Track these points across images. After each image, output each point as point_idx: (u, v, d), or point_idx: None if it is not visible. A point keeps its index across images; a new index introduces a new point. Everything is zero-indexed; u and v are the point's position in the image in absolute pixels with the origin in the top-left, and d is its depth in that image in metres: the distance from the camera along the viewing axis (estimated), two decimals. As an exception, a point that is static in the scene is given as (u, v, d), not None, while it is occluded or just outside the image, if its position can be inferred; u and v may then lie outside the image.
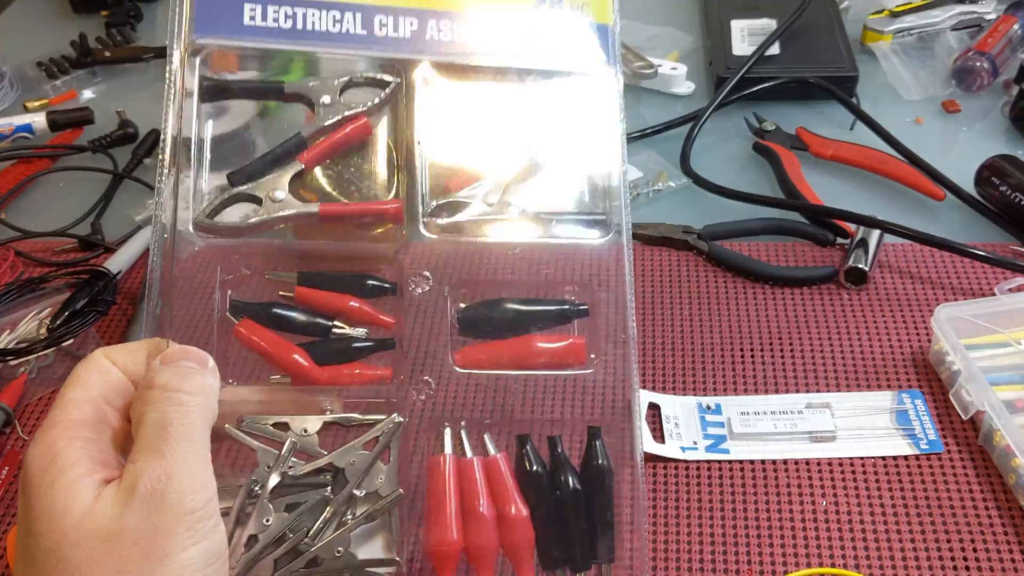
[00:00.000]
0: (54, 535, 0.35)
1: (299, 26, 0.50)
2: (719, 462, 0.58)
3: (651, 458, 0.58)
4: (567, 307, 0.50)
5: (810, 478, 0.57)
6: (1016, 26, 0.88)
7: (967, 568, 0.51)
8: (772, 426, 0.59)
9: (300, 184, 0.69)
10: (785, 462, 0.57)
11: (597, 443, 0.47)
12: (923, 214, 0.75)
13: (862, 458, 0.57)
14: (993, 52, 0.85)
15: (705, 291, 0.69)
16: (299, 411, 0.46)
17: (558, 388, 0.52)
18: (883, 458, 0.57)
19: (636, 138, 0.83)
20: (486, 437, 0.47)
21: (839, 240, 0.71)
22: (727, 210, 0.75)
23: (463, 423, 0.47)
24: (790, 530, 0.54)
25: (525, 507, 0.45)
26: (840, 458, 0.57)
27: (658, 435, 0.59)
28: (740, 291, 0.69)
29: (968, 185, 0.75)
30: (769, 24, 0.91)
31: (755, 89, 0.85)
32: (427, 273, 0.50)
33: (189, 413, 0.38)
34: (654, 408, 0.61)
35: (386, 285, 0.50)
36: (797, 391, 0.61)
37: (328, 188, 0.69)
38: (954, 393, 0.58)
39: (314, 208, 0.49)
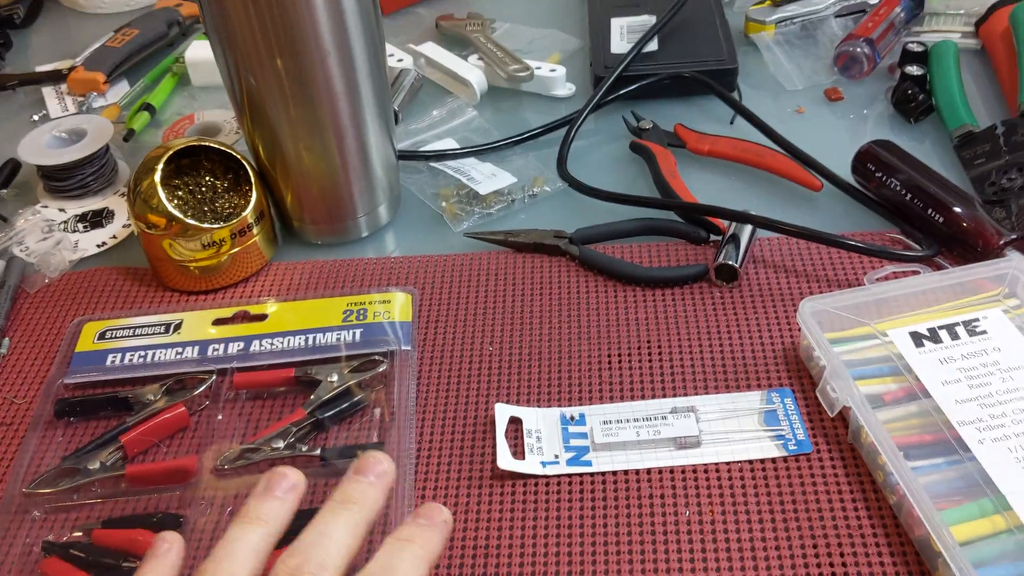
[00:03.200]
0: None
1: (148, 362, 0.63)
2: (580, 475, 0.55)
3: (510, 476, 0.55)
4: None
5: (673, 487, 0.54)
6: (898, 8, 0.86)
7: (833, 572, 0.49)
8: (635, 434, 0.56)
9: (147, 210, 0.66)
10: (648, 471, 0.54)
11: None
12: (802, 205, 0.72)
13: (728, 463, 0.54)
14: (874, 36, 0.83)
15: (576, 297, 0.66)
16: None
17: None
18: (750, 462, 0.54)
19: (513, 143, 0.80)
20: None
21: (713, 237, 0.69)
22: (607, 213, 0.72)
23: None
24: (650, 543, 0.51)
25: None
26: (705, 464, 0.54)
27: (519, 451, 0.56)
28: (611, 295, 0.66)
29: (848, 174, 0.72)
30: (649, 20, 0.89)
31: (632, 88, 0.82)
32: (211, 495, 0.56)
33: None
34: (516, 422, 0.58)
35: (178, 516, 0.55)
36: (665, 396, 0.59)
37: (175, 212, 0.66)
38: (820, 390, 0.56)
39: (122, 471, 0.57)
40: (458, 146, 0.80)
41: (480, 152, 0.80)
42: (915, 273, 0.61)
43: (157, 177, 0.66)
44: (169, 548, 0.43)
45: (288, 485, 0.44)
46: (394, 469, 0.45)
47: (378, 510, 0.44)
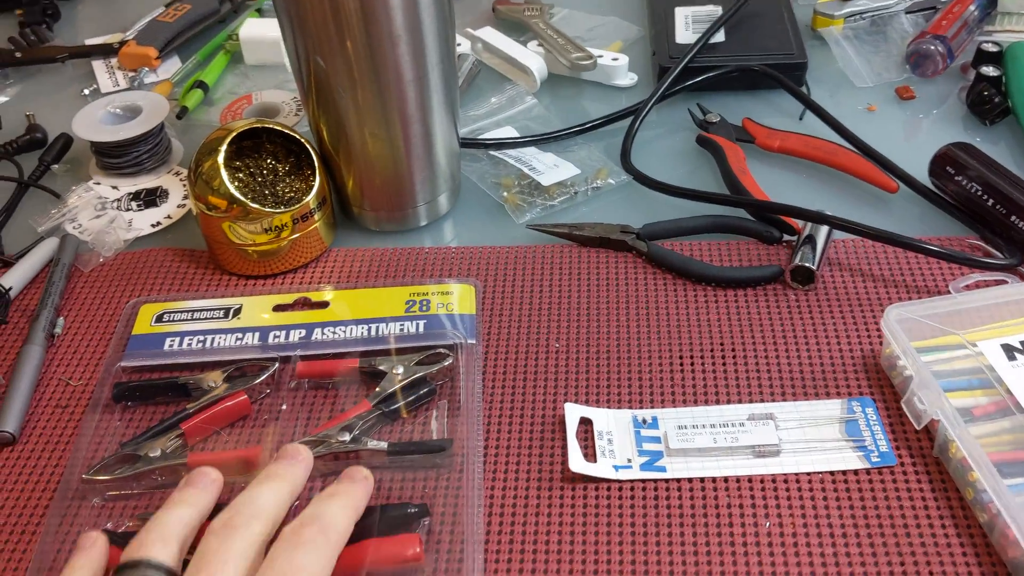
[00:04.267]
0: None
1: (207, 347, 0.62)
2: (655, 481, 0.53)
3: (581, 479, 0.53)
4: (409, 509, 0.52)
5: (752, 497, 0.52)
6: (972, 7, 0.84)
7: (921, 593, 0.47)
8: (712, 440, 0.54)
9: (208, 191, 0.64)
10: (726, 480, 0.53)
11: None
12: (877, 207, 0.70)
13: (808, 473, 0.53)
14: (948, 35, 0.81)
15: (644, 295, 0.64)
16: None
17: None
18: (831, 473, 0.53)
19: (575, 133, 0.79)
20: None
21: (786, 237, 0.67)
22: (671, 208, 0.70)
23: None
24: (730, 555, 0.49)
25: None
26: (785, 474, 0.53)
27: (590, 453, 0.55)
28: (681, 294, 0.64)
29: (923, 176, 0.70)
30: (715, 11, 0.87)
31: (698, 79, 0.80)
32: None
33: None
34: (586, 423, 0.56)
35: None
36: (740, 401, 0.57)
37: (238, 195, 0.65)
38: (906, 401, 0.54)
39: (183, 459, 0.55)
40: (517, 134, 0.79)
41: (541, 141, 0.78)
42: (1002, 282, 0.59)
43: (220, 159, 0.64)
44: (94, 542, 0.46)
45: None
46: (312, 459, 0.50)
47: (300, 485, 0.49)
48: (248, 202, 0.64)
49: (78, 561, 0.46)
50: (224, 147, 0.64)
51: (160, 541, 0.44)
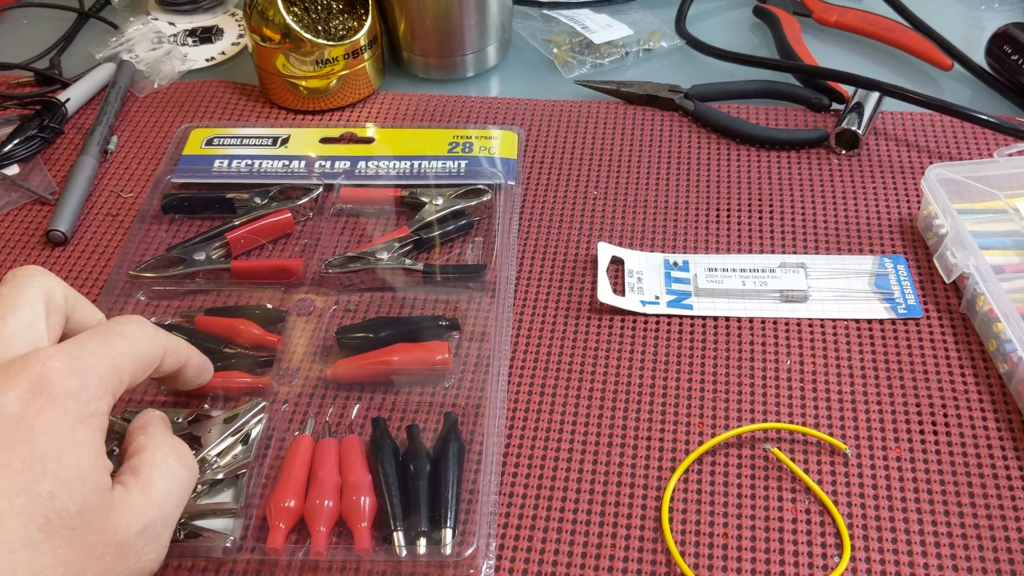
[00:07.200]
0: None
1: (255, 170, 0.63)
2: (680, 317, 0.54)
3: (608, 309, 0.55)
4: (441, 322, 0.53)
5: (776, 337, 0.53)
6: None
7: (935, 432, 0.48)
8: (740, 283, 0.55)
9: (263, 23, 0.65)
10: (751, 320, 0.54)
11: (451, 427, 0.48)
12: (928, 84, 0.70)
13: (834, 320, 0.53)
14: (1021, -77, 0.79)
15: (687, 151, 0.65)
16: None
17: (426, 385, 0.51)
18: (857, 321, 0.53)
19: (630, -1, 0.78)
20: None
21: (834, 106, 0.67)
22: (722, 76, 0.70)
23: (329, 412, 0.50)
24: (748, 387, 0.50)
25: (366, 475, 0.46)
26: (811, 319, 0.54)
27: (619, 289, 0.56)
28: (724, 152, 0.64)
29: (979, 58, 0.69)
30: None
31: (760, -49, 0.79)
32: (312, 297, 0.55)
33: None
34: (618, 263, 0.57)
35: (281, 311, 0.55)
36: (773, 252, 0.58)
37: (293, 24, 0.65)
38: (939, 256, 0.54)
39: (226, 265, 0.57)
40: (573, -3, 0.78)
41: (596, 3, 0.77)
42: (1049, 154, 0.58)
43: (276, -13, 0.65)
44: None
45: None
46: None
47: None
48: (302, 32, 0.65)
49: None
50: (281, -24, 0.65)
51: None
